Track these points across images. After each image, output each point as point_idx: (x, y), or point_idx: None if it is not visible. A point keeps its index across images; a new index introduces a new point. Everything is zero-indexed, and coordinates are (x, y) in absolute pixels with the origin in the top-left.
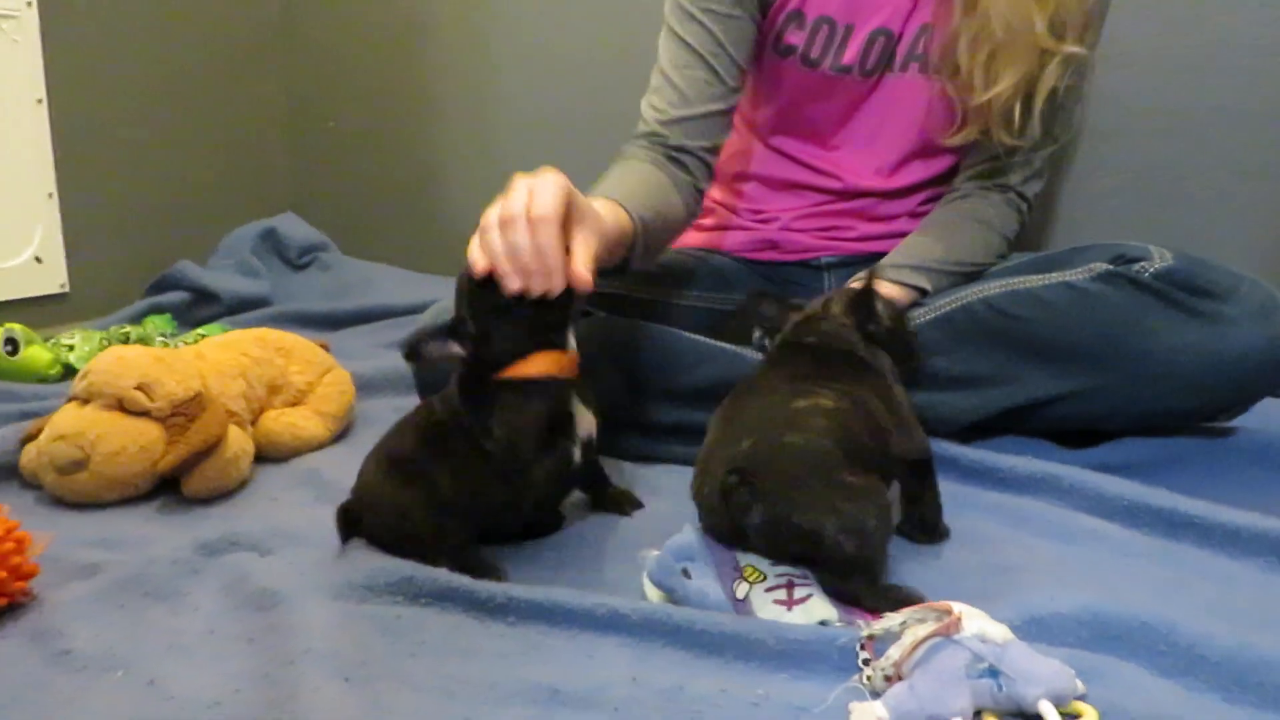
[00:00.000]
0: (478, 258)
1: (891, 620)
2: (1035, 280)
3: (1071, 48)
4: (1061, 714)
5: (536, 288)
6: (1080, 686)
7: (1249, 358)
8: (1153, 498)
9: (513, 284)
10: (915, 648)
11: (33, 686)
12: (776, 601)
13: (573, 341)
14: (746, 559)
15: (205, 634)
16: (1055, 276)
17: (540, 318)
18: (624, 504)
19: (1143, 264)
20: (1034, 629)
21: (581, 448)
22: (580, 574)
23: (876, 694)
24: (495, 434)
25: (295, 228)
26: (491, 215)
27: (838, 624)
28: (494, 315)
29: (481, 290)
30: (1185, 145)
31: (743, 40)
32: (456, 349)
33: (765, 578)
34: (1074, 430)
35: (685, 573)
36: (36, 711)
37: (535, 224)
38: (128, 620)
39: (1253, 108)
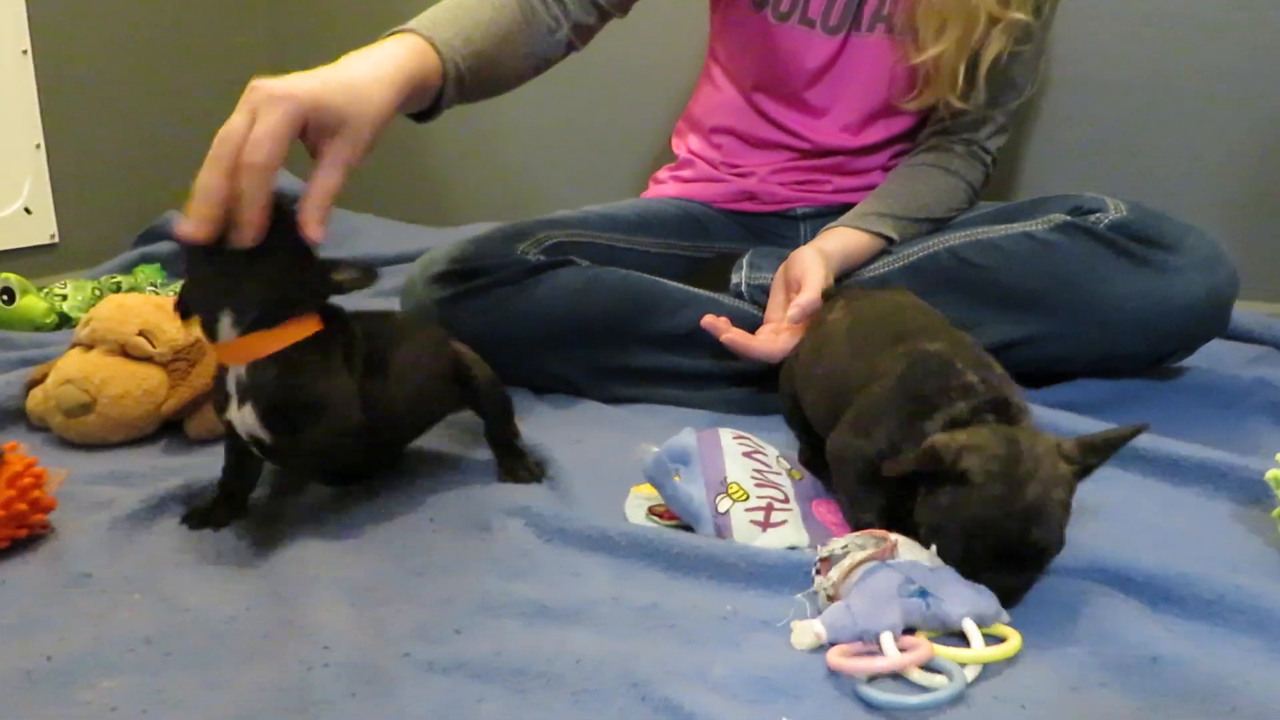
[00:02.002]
0: (184, 224)
1: (835, 544)
2: (997, 230)
3: (1015, 14)
4: (984, 634)
5: (206, 235)
6: (1005, 614)
7: (1194, 305)
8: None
9: (185, 228)
10: (852, 570)
11: (58, 605)
12: (753, 522)
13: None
14: (734, 476)
15: (215, 560)
16: (1016, 227)
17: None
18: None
19: (1098, 215)
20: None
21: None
22: (567, 506)
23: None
24: None
25: (280, 179)
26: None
27: (806, 550)
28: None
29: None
30: (1150, 98)
31: None
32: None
33: (748, 497)
34: (1034, 372)
35: (676, 474)
36: (63, 628)
37: (243, 169)
38: (142, 548)
39: (1217, 61)
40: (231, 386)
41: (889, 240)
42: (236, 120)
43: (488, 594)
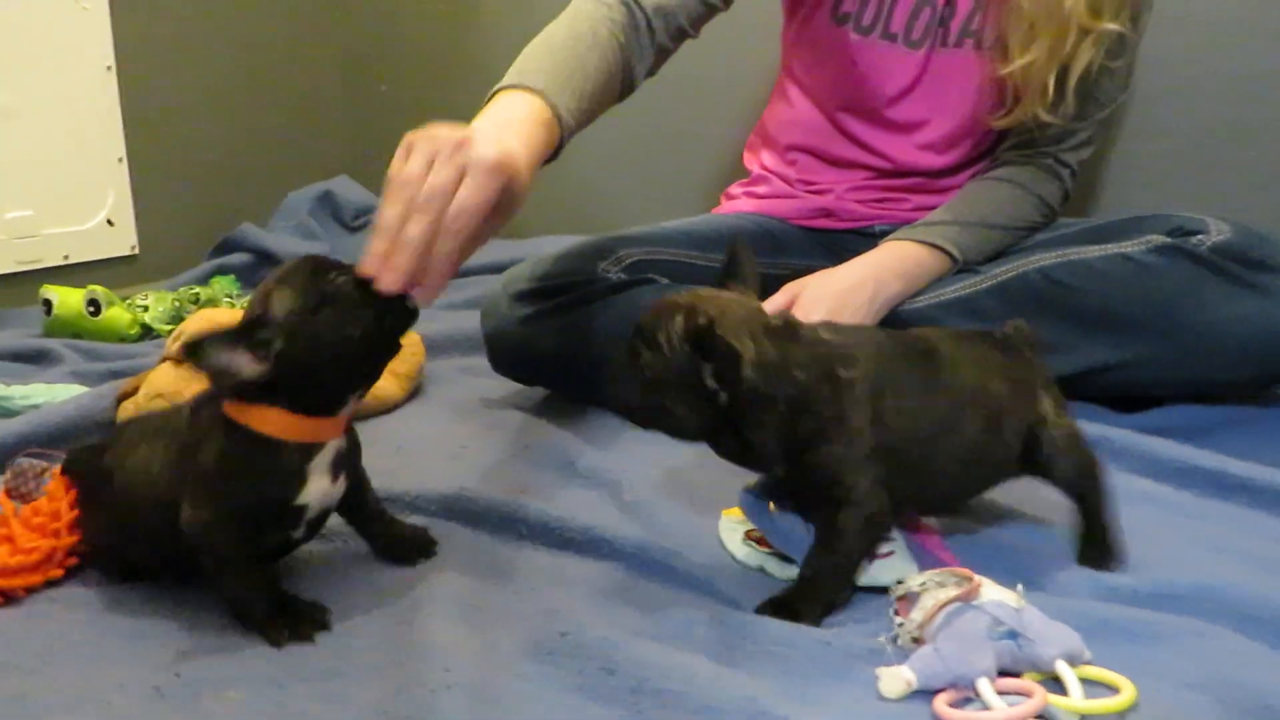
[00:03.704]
0: (386, 275)
1: (912, 582)
2: (1092, 251)
3: (1108, 24)
4: (1084, 678)
5: (401, 288)
6: (1087, 652)
7: None
8: (1204, 460)
9: (386, 280)
10: (936, 612)
11: (184, 619)
12: None
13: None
14: None
15: (330, 573)
16: (1112, 247)
17: (378, 340)
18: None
19: (1200, 236)
20: (1089, 589)
21: (308, 527)
22: (653, 529)
23: (905, 652)
24: (183, 514)
25: (350, 190)
26: (399, 183)
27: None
28: (324, 318)
29: (318, 277)
30: (1237, 110)
31: None
32: (247, 364)
33: None
34: (1124, 396)
35: (773, 509)
36: (189, 641)
37: (444, 232)
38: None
39: None
40: (324, 464)
41: (947, 253)
42: (446, 175)
43: (586, 614)
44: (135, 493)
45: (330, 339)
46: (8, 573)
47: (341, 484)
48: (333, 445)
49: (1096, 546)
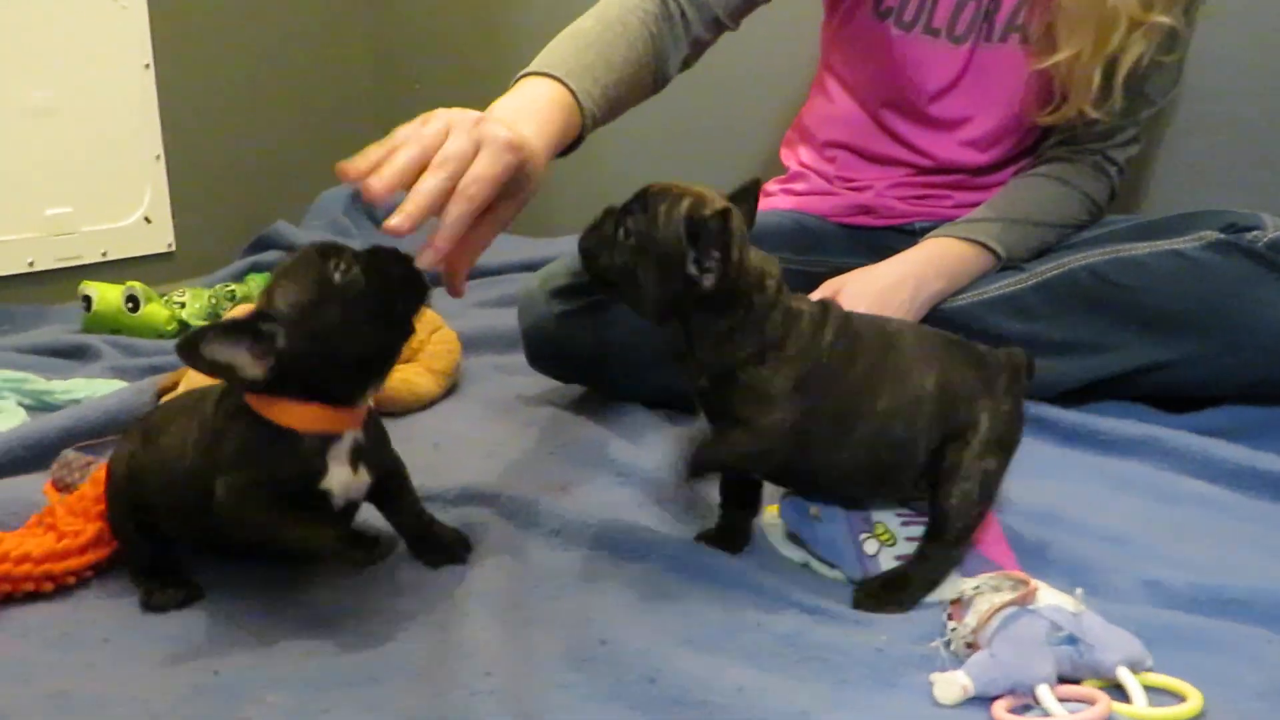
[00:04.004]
0: (374, 179)
1: (965, 586)
2: (1142, 248)
3: (1159, 18)
4: (1148, 685)
5: (409, 231)
6: (1150, 658)
7: None
8: (1259, 461)
9: (397, 221)
10: (991, 616)
11: (222, 622)
12: None
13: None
14: (879, 516)
15: (369, 578)
16: (1163, 244)
17: (390, 324)
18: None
19: (1256, 233)
20: (1146, 594)
21: (342, 516)
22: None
23: (959, 658)
24: (217, 496)
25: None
26: (404, 135)
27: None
28: (329, 311)
29: (323, 267)
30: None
31: None
32: (248, 361)
33: (894, 542)
34: (1176, 396)
35: (815, 515)
36: (229, 644)
37: (457, 195)
38: (298, 565)
39: None
40: (343, 453)
41: (990, 250)
42: (463, 142)
43: (626, 617)
44: (167, 468)
45: (337, 332)
46: (54, 558)
47: (364, 475)
48: (350, 435)
49: (890, 587)
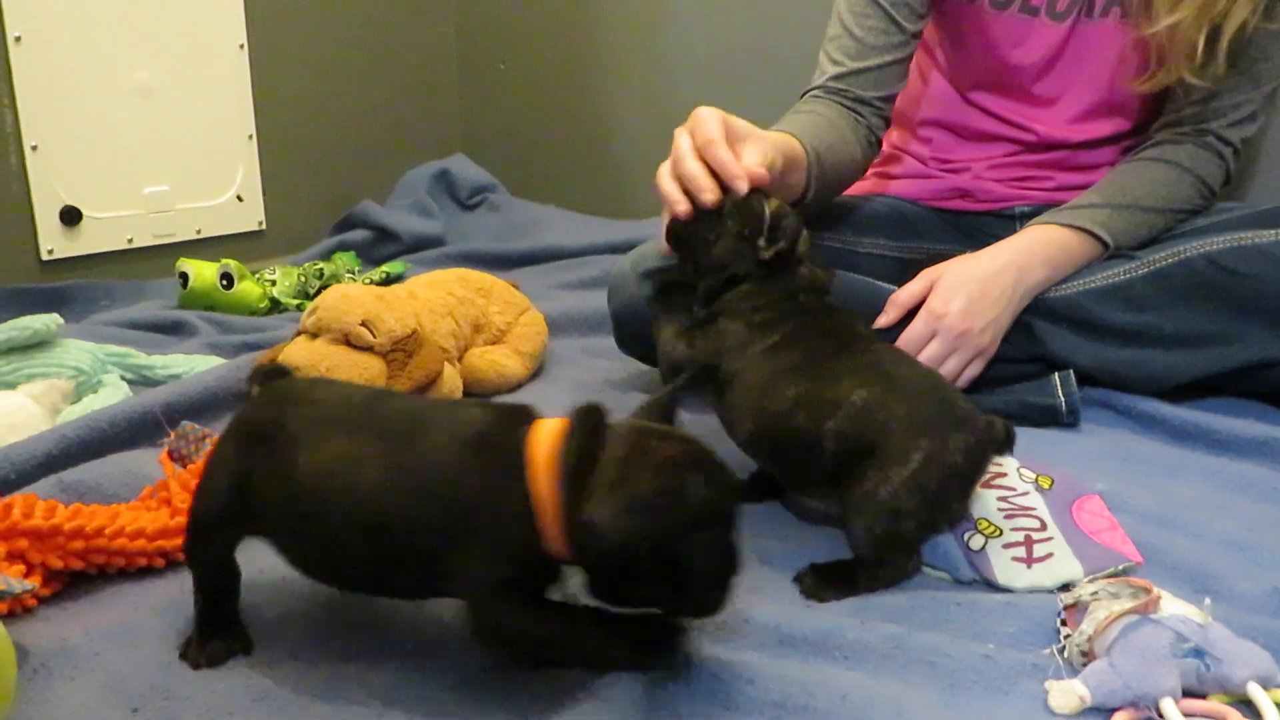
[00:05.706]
0: (675, 199)
1: (1083, 590)
2: (1266, 235)
3: None
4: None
5: (710, 198)
6: None
7: None
8: None
9: (679, 207)
10: (1109, 624)
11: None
12: (1015, 559)
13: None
14: (979, 511)
15: None
16: None
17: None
18: None
19: None
20: (1276, 605)
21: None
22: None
23: (1074, 667)
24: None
25: (466, 169)
26: (662, 171)
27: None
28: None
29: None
30: None
31: None
32: None
33: (1000, 532)
34: None
35: None
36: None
37: (703, 149)
38: None
39: None
40: None
41: (1097, 238)
42: (679, 140)
43: (722, 615)
44: (330, 491)
45: None
46: (167, 534)
47: None
48: None
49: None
